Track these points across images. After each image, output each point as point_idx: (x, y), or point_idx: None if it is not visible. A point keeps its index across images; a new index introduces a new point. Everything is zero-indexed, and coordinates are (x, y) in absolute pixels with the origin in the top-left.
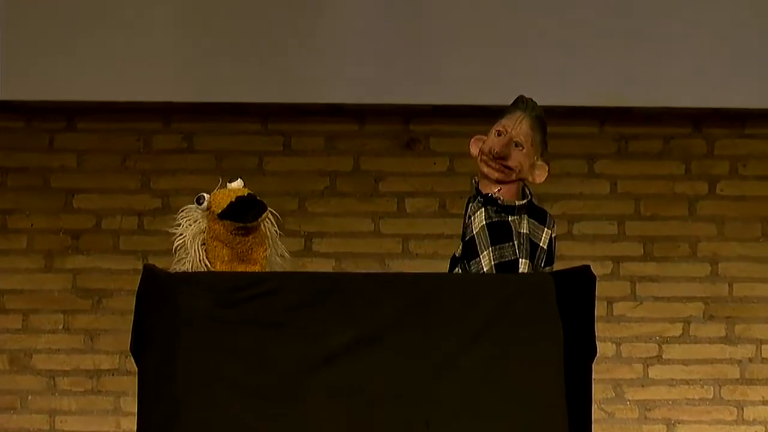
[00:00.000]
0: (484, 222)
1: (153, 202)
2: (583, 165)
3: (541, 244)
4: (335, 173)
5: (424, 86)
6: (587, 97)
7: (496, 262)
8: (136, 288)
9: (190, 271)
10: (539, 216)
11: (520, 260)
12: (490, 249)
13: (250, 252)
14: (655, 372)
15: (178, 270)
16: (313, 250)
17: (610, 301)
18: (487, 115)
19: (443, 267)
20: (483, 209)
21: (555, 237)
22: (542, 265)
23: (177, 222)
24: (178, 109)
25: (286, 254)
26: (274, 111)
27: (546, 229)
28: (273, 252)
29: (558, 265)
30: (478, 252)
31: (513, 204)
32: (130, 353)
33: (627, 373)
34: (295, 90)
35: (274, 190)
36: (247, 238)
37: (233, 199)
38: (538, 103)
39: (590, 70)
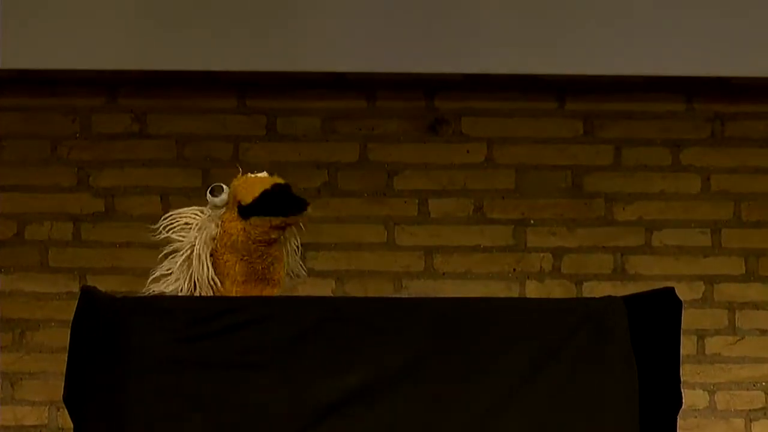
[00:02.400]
0: None
1: (93, 203)
2: (665, 154)
3: None
4: (336, 165)
5: (453, 50)
6: (670, 65)
7: None
8: (71, 318)
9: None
10: None
11: None
12: None
13: (270, 269)
14: (760, 429)
15: (158, 293)
16: (307, 267)
17: (702, 335)
18: (537, 88)
19: (478, 290)
20: None
21: None
22: None
23: (169, 224)
24: (126, 81)
25: (304, 273)
26: (254, 83)
27: None
28: (290, 270)
29: (633, 287)
30: None
31: None
32: (63, 404)
33: (724, 430)
34: (281, 55)
35: None
36: (269, 250)
37: (268, 188)
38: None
39: (673, 30)
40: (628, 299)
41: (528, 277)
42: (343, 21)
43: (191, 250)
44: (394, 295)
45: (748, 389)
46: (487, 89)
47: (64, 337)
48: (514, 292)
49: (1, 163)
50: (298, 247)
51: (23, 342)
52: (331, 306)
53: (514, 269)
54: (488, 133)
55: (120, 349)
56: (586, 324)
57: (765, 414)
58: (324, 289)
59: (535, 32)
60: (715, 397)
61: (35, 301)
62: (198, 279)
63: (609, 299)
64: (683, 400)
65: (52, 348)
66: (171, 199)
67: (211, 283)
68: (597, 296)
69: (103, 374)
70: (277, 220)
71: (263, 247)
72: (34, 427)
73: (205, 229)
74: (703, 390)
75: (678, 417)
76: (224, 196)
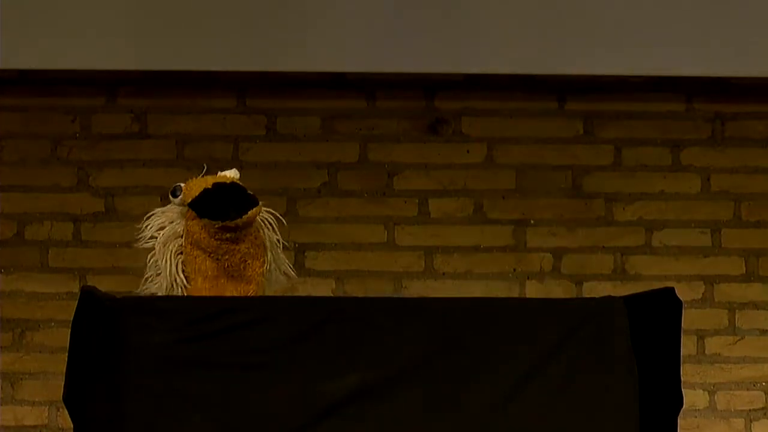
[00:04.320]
0: None
1: (93, 203)
2: (665, 154)
3: None
4: (336, 165)
5: (453, 50)
6: (670, 65)
7: None
8: (71, 318)
9: (161, 294)
10: None
11: None
12: None
13: (242, 266)
14: (760, 429)
15: (147, 293)
16: (307, 267)
17: (702, 335)
18: (537, 88)
19: (479, 290)
20: None
21: None
22: None
23: (145, 224)
24: (126, 81)
25: (291, 272)
26: (254, 83)
27: None
28: (273, 268)
29: (633, 287)
30: None
31: None
32: (62, 404)
33: (724, 430)
34: (281, 55)
35: (254, 186)
36: (236, 247)
37: (209, 187)
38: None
39: (673, 30)
40: (628, 299)
41: (528, 277)
42: (343, 21)
43: (157, 247)
44: (394, 295)
45: (748, 389)
46: (487, 89)
47: (64, 337)
48: (514, 292)
49: (1, 163)
50: (279, 244)
51: (23, 342)
52: (331, 306)
53: (514, 269)
54: (488, 133)
55: (120, 349)
56: (586, 324)
57: (765, 414)
58: (324, 289)
59: (535, 32)
60: (715, 397)
61: (35, 301)
62: (166, 276)
63: (609, 299)
64: (684, 401)
65: (52, 348)
66: None
67: (177, 279)
68: (597, 296)
69: (103, 374)
70: (217, 223)
71: (227, 245)
72: (34, 427)
73: (170, 226)
74: (703, 390)
75: (678, 417)
76: (181, 196)
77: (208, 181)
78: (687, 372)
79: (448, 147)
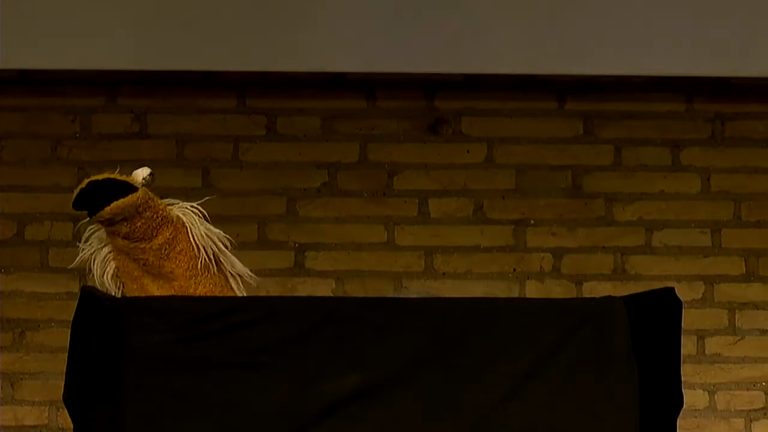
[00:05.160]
0: None
1: None
2: (665, 154)
3: None
4: (336, 165)
5: (453, 50)
6: (670, 65)
7: None
8: (71, 318)
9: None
10: None
11: None
12: None
13: (159, 264)
14: (760, 429)
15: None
16: (306, 267)
17: (702, 335)
18: (537, 88)
19: (479, 290)
20: None
21: None
22: None
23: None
24: (126, 81)
25: (241, 269)
26: (254, 83)
27: None
28: (227, 263)
29: (633, 287)
30: None
31: None
32: (62, 404)
33: (724, 430)
34: (281, 55)
35: (254, 187)
36: (147, 245)
37: (83, 186)
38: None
39: (673, 30)
40: (628, 299)
41: (528, 277)
42: (343, 21)
43: (85, 254)
44: (394, 295)
45: (748, 389)
46: (487, 89)
47: (64, 337)
48: (514, 292)
49: (1, 163)
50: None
51: (23, 342)
52: (331, 306)
53: (514, 269)
54: (488, 133)
55: (120, 349)
56: (586, 324)
57: (765, 414)
58: (324, 289)
59: (535, 32)
60: (715, 397)
61: (35, 301)
62: (98, 285)
63: (609, 299)
64: (684, 401)
65: (52, 348)
66: (171, 199)
67: (106, 283)
68: (597, 296)
69: (103, 374)
70: (93, 220)
71: (135, 243)
72: (34, 427)
73: (97, 234)
74: (703, 390)
75: (678, 417)
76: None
77: (88, 180)
78: (687, 372)
79: (448, 147)
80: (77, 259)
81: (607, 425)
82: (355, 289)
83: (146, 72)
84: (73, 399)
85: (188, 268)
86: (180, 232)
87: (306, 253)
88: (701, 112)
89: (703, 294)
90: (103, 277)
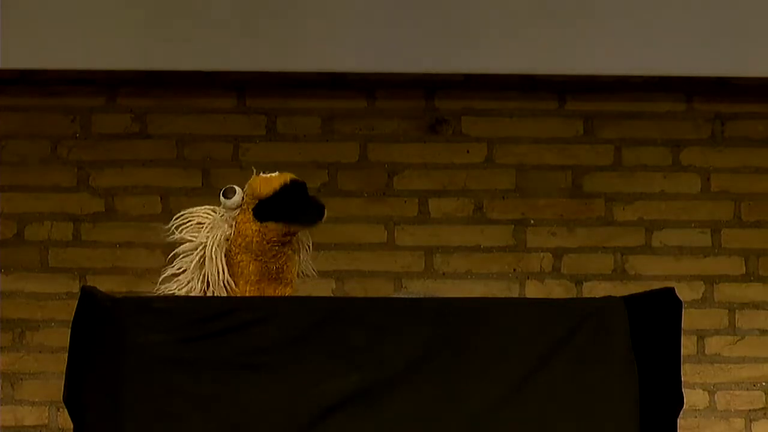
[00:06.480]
0: None
1: (93, 203)
2: (665, 154)
3: None
4: (336, 165)
5: (453, 50)
6: (670, 65)
7: None
8: (71, 318)
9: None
10: None
11: None
12: None
13: (284, 269)
14: (760, 429)
15: (170, 292)
16: None
17: (702, 335)
18: (537, 88)
19: (479, 290)
20: None
21: None
22: None
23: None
24: (126, 81)
25: (314, 273)
26: (254, 83)
27: None
28: (303, 269)
29: (633, 287)
30: None
31: None
32: (62, 404)
33: (724, 430)
34: (281, 55)
35: None
36: (283, 250)
37: (277, 189)
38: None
39: (673, 30)
40: (628, 299)
41: (528, 277)
42: (343, 21)
43: (204, 250)
44: (394, 295)
45: (748, 389)
46: (487, 89)
47: (64, 337)
48: (514, 292)
49: (1, 163)
50: (309, 246)
51: (23, 342)
52: (331, 306)
53: (514, 269)
54: (488, 133)
55: (120, 349)
56: (586, 324)
57: (765, 414)
58: (324, 289)
59: (535, 32)
60: (715, 397)
61: (35, 301)
62: (211, 279)
63: (609, 299)
64: (684, 401)
65: (52, 348)
66: (171, 199)
67: (226, 284)
68: (597, 296)
69: (103, 374)
70: (294, 227)
71: (278, 247)
72: (34, 427)
73: (218, 229)
74: (703, 390)
75: (678, 417)
76: (237, 198)
77: (273, 182)
78: (687, 372)
79: (448, 147)
80: (180, 239)
81: (607, 425)
82: (355, 289)
83: (146, 72)
84: (73, 399)
85: (296, 274)
86: (295, 239)
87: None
88: (701, 112)
89: (703, 294)
90: (225, 271)
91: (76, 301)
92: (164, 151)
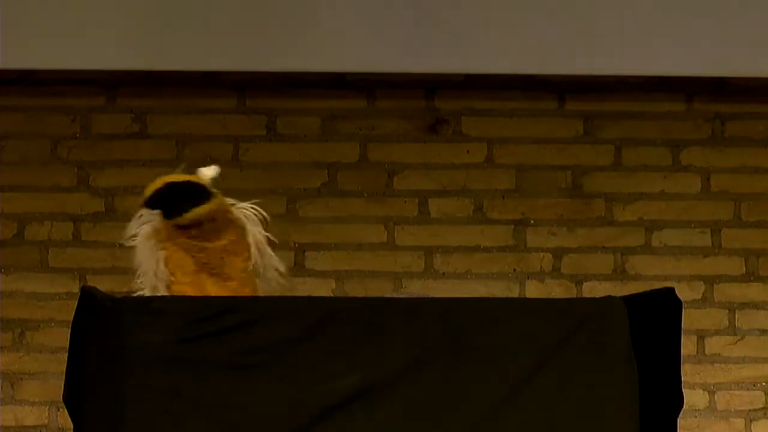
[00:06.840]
0: None
1: (93, 203)
2: (665, 154)
3: None
4: (336, 165)
5: (453, 50)
6: (670, 65)
7: None
8: (71, 318)
9: (148, 291)
10: None
11: None
12: None
13: (221, 264)
14: (760, 429)
15: (139, 293)
16: (307, 267)
17: (702, 335)
18: (537, 88)
19: (479, 290)
20: None
21: None
22: None
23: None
24: (126, 81)
25: (282, 269)
26: (254, 83)
27: None
28: (265, 266)
29: (633, 287)
30: None
31: None
32: (62, 404)
33: (724, 430)
34: (281, 55)
35: (254, 186)
36: (211, 245)
37: (159, 187)
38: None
39: (673, 30)
40: (628, 299)
41: (528, 277)
42: (343, 21)
43: (138, 243)
44: (394, 295)
45: (748, 389)
46: (487, 89)
47: (64, 337)
48: (514, 292)
49: (1, 163)
50: (267, 238)
51: (23, 342)
52: (331, 306)
53: (514, 269)
54: (488, 133)
55: (120, 349)
56: (586, 324)
57: (765, 414)
58: (324, 289)
59: (535, 32)
60: (715, 397)
61: (35, 301)
62: (149, 270)
63: (609, 299)
64: (684, 401)
65: (52, 348)
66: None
67: (158, 273)
68: (597, 296)
69: (103, 374)
70: (170, 222)
71: (200, 242)
72: (34, 427)
73: (151, 223)
74: (703, 390)
75: (678, 417)
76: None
77: (163, 180)
78: (687, 372)
79: (448, 147)
80: (127, 237)
81: (607, 425)
82: (355, 289)
83: (146, 72)
84: (73, 399)
85: (243, 269)
86: (239, 235)
87: (306, 253)
88: (701, 112)
89: (703, 294)
90: (156, 262)
91: (76, 301)
92: (164, 151)
